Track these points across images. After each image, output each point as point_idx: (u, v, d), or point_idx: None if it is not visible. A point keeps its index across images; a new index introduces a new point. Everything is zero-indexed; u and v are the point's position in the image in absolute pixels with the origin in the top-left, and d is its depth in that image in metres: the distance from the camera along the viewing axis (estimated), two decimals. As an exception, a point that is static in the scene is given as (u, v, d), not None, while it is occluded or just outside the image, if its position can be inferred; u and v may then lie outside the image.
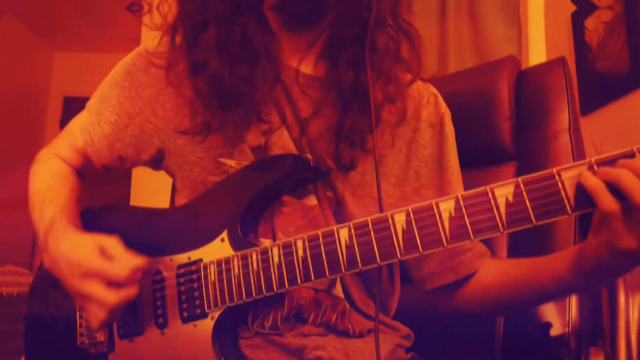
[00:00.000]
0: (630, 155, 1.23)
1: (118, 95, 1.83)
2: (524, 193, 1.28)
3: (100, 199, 1.88)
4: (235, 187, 1.67)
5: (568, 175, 1.26)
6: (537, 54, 4.06)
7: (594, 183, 1.23)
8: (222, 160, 1.72)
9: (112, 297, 1.52)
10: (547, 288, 1.59)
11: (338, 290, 1.72)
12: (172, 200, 1.98)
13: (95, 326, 1.61)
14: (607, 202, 1.23)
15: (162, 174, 1.92)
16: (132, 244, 1.60)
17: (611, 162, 1.24)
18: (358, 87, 1.64)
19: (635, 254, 1.26)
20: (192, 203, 1.75)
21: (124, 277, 1.51)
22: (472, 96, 2.46)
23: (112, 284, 1.52)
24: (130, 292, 1.54)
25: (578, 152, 2.18)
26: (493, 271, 1.77)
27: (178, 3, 1.70)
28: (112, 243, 1.56)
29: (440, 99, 1.89)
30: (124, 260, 1.53)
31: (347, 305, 1.72)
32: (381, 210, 1.54)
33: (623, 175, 1.22)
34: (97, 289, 1.52)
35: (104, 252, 1.55)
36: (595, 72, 3.74)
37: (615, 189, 1.22)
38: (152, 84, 1.79)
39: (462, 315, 1.85)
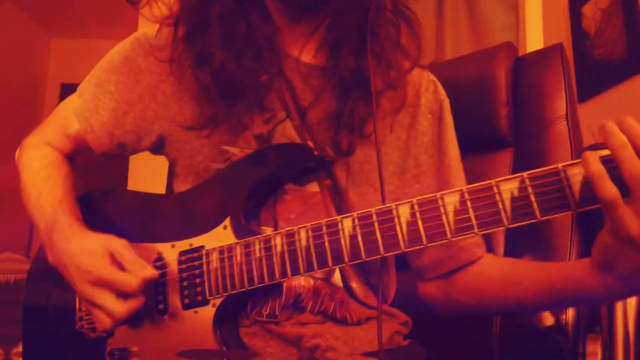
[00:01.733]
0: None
1: (117, 81, 1.82)
2: (529, 188, 1.28)
3: (97, 180, 1.88)
4: (239, 175, 1.67)
5: (573, 171, 1.26)
6: (534, 41, 4.06)
7: (595, 169, 1.21)
8: (225, 147, 1.72)
9: (121, 308, 1.53)
10: (558, 288, 1.57)
11: (336, 279, 1.73)
12: (169, 185, 1.98)
13: (99, 329, 1.63)
14: (607, 190, 1.21)
15: (160, 157, 1.92)
16: (133, 229, 1.61)
17: (611, 160, 1.23)
18: (358, 74, 1.65)
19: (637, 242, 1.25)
20: (195, 190, 1.75)
21: (135, 289, 1.52)
22: (469, 83, 2.47)
23: (122, 294, 1.54)
24: (138, 302, 1.55)
25: (575, 139, 2.18)
26: (497, 265, 1.77)
27: None
28: (121, 248, 1.57)
29: (440, 86, 1.89)
30: (134, 271, 1.54)
31: (346, 294, 1.73)
32: (383, 199, 1.55)
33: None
34: (106, 300, 1.54)
35: (114, 259, 1.56)
36: (592, 58, 3.74)
37: (616, 177, 1.21)
38: (152, 70, 1.79)
39: (459, 311, 1.84)
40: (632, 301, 1.93)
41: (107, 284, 1.53)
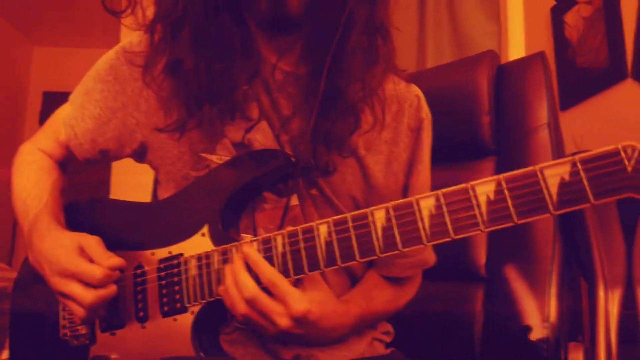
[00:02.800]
0: (615, 154, 1.20)
1: (102, 89, 1.82)
2: (506, 191, 1.26)
3: (80, 186, 1.88)
4: (216, 182, 1.67)
5: (551, 173, 1.24)
6: (516, 49, 4.06)
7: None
8: (203, 155, 1.72)
9: (90, 296, 1.53)
10: None
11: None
12: (155, 193, 1.99)
13: (77, 322, 1.66)
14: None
15: (143, 165, 1.91)
16: (114, 238, 1.61)
17: (595, 159, 1.21)
18: (334, 92, 1.62)
19: None
20: (174, 197, 1.75)
21: (99, 278, 1.53)
22: (451, 91, 2.47)
23: (89, 284, 1.54)
24: (108, 292, 1.56)
25: (558, 147, 2.19)
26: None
27: (155, 2, 1.69)
28: (92, 242, 1.58)
29: (424, 102, 1.87)
30: (100, 262, 1.54)
31: None
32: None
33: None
34: (74, 289, 1.54)
35: (83, 252, 1.57)
36: (574, 66, 3.76)
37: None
38: (136, 78, 1.77)
39: None
40: (614, 309, 1.94)
41: (74, 275, 1.54)
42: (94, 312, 1.57)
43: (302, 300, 1.44)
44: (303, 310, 1.43)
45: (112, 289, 1.56)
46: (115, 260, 1.55)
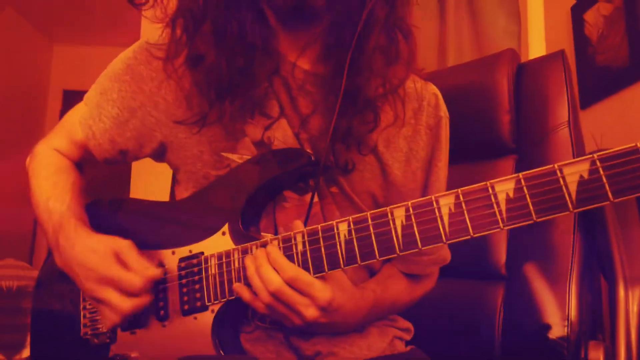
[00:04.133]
0: (634, 151, 1.20)
1: (119, 89, 1.82)
2: (525, 189, 1.26)
3: (100, 185, 1.88)
4: (237, 180, 1.67)
5: (570, 171, 1.23)
6: (536, 48, 4.04)
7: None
8: (224, 154, 1.72)
9: (127, 304, 1.55)
10: None
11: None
12: (172, 192, 1.99)
13: (107, 327, 1.66)
14: None
15: (162, 164, 1.92)
16: (136, 237, 1.62)
17: (614, 157, 1.21)
18: (354, 90, 1.61)
19: None
20: (195, 196, 1.76)
21: (139, 288, 1.55)
22: (471, 90, 2.46)
23: (127, 292, 1.55)
24: (144, 300, 1.58)
25: (578, 146, 2.18)
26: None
27: None
28: (127, 248, 1.59)
29: (441, 100, 1.86)
30: (139, 270, 1.56)
31: None
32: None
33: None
34: (112, 296, 1.56)
35: (119, 258, 1.58)
36: (594, 65, 3.74)
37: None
38: (154, 77, 1.78)
39: None
40: (634, 307, 1.93)
41: (112, 282, 1.55)
42: (126, 319, 1.59)
43: (325, 289, 1.45)
44: (328, 299, 1.45)
45: (148, 297, 1.58)
46: (154, 270, 1.57)
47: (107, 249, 1.59)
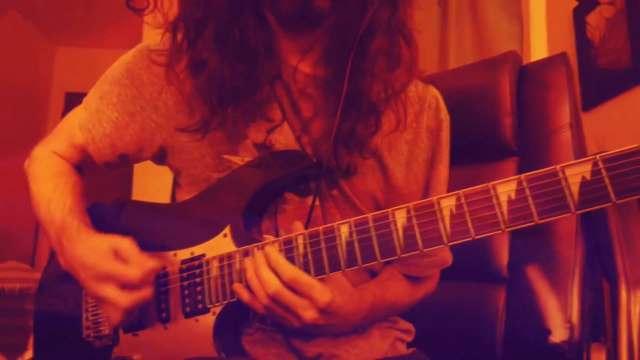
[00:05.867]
0: (636, 152, 1.20)
1: (119, 93, 1.82)
2: (527, 190, 1.26)
3: (102, 187, 1.88)
4: (239, 183, 1.67)
5: (572, 172, 1.24)
6: (538, 50, 4.05)
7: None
8: (225, 157, 1.72)
9: (126, 299, 1.55)
10: None
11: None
12: (173, 195, 1.99)
13: (112, 325, 1.69)
14: None
15: (163, 167, 1.92)
16: (138, 239, 1.62)
17: (616, 158, 1.21)
18: (356, 93, 1.62)
19: None
20: (196, 198, 1.76)
21: (137, 279, 1.55)
22: (473, 92, 2.46)
23: (126, 286, 1.55)
24: (145, 293, 1.58)
25: (579, 148, 2.18)
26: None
27: (179, 1, 1.69)
28: (126, 245, 1.59)
29: (442, 103, 1.87)
30: (137, 263, 1.56)
31: None
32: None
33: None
34: (111, 292, 1.56)
35: (118, 255, 1.58)
36: (596, 67, 3.74)
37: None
38: (154, 82, 1.78)
39: None
40: (636, 310, 1.92)
41: (111, 277, 1.56)
42: (130, 315, 1.59)
43: (325, 291, 1.45)
44: (328, 301, 1.45)
45: (148, 291, 1.58)
46: (152, 262, 1.58)
47: (106, 247, 1.59)
